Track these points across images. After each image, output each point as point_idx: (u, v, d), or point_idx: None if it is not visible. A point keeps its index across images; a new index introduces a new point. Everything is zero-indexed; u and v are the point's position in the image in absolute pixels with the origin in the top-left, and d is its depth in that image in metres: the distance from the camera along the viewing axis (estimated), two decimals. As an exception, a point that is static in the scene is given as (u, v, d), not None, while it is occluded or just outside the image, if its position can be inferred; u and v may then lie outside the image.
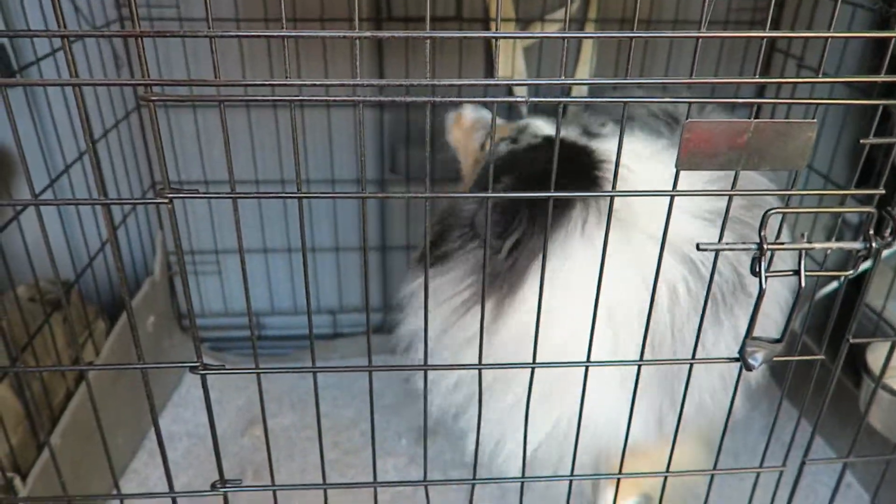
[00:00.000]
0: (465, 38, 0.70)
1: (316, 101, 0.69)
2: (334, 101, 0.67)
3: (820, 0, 1.56)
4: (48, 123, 1.51)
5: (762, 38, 0.68)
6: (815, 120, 0.69)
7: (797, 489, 0.97)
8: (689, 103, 0.72)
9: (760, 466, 0.95)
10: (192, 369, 0.80)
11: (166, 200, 0.70)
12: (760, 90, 1.66)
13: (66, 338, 1.34)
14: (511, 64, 1.71)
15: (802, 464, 0.96)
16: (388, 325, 2.11)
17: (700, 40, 0.67)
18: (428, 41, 0.64)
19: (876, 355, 1.22)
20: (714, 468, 0.94)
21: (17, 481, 1.11)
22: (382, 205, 1.92)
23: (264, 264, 1.94)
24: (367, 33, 0.64)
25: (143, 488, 1.50)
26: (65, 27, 0.62)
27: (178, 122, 1.72)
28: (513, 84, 0.90)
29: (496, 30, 0.77)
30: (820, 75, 0.71)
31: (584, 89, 1.65)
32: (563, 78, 0.68)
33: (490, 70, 1.77)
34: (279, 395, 1.81)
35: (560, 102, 0.73)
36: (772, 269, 0.77)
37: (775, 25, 1.68)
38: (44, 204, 0.75)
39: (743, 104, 1.05)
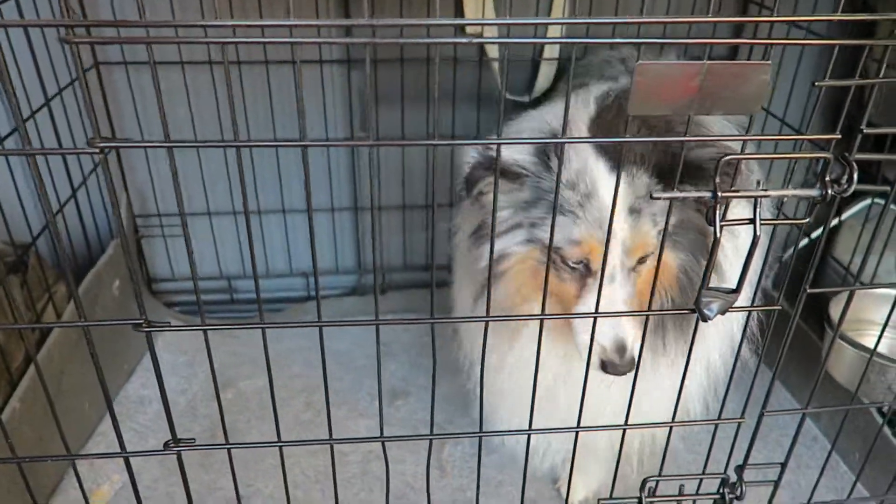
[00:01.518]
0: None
1: (257, 42, 0.65)
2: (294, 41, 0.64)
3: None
4: None
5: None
6: (768, 61, 0.67)
7: (755, 439, 0.98)
8: (639, 44, 0.69)
9: (718, 418, 0.95)
10: (135, 327, 0.77)
11: (97, 150, 0.67)
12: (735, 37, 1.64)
13: (26, 301, 1.31)
14: (482, 15, 1.66)
15: (761, 415, 0.96)
16: (361, 287, 2.11)
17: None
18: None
19: (839, 308, 1.22)
20: (673, 420, 0.94)
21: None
22: (353, 165, 1.88)
23: (234, 226, 1.91)
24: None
25: (110, 450, 1.49)
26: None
27: (138, 81, 1.69)
28: (476, 24, 0.87)
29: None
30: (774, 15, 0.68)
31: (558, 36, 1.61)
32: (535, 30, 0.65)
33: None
34: (253, 358, 1.80)
35: (507, 43, 0.70)
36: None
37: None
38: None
39: (697, 45, 1.01)
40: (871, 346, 1.06)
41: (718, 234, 0.75)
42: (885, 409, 1.24)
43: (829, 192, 0.74)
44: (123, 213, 1.77)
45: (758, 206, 0.75)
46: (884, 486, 1.25)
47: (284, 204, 1.89)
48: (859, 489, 1.30)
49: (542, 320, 0.83)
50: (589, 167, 0.94)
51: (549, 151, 0.97)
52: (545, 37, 1.60)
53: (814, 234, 1.44)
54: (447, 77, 1.67)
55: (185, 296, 1.98)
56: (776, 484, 1.02)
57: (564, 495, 1.37)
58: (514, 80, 1.77)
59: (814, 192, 0.75)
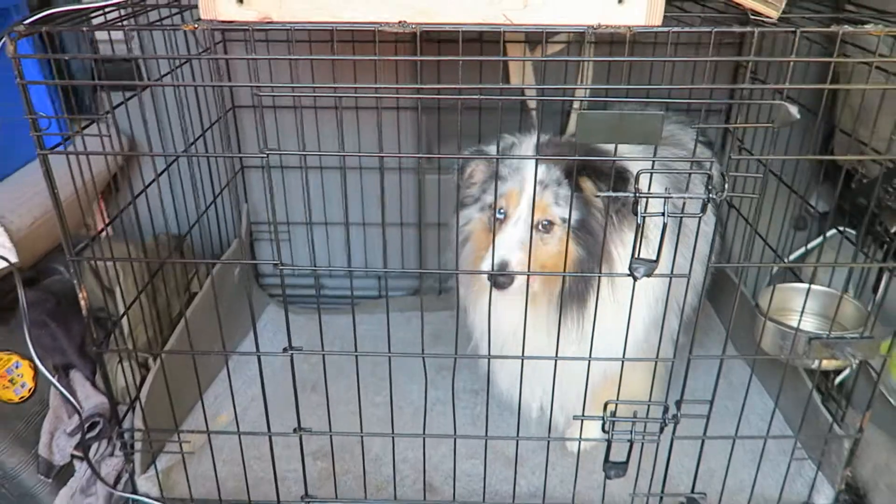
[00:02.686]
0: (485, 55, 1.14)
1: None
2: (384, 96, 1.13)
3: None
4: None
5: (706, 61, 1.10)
6: (661, 112, 1.11)
7: (688, 378, 1.37)
8: (644, 103, 1.15)
9: (656, 358, 1.35)
10: (274, 266, 1.26)
11: (264, 155, 1.17)
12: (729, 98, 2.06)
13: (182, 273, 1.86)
14: (522, 77, 2.14)
15: (689, 360, 1.36)
16: (423, 289, 2.57)
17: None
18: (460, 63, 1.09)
19: (765, 298, 1.61)
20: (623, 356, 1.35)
21: (150, 360, 1.61)
22: (419, 189, 2.37)
23: (325, 234, 2.42)
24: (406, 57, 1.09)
25: (227, 393, 1.99)
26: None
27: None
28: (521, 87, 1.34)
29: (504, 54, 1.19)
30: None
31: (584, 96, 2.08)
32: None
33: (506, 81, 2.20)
34: (333, 337, 2.27)
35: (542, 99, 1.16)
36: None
37: (738, 50, 2.05)
38: (183, 156, 1.22)
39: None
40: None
41: (639, 221, 1.18)
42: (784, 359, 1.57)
43: (709, 196, 1.16)
44: (244, 220, 2.32)
45: (665, 203, 1.18)
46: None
47: (366, 218, 2.39)
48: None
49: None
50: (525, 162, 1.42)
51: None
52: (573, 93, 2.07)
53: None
54: (495, 121, 2.15)
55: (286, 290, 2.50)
56: (707, 416, 1.41)
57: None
58: (547, 125, 2.23)
59: (700, 196, 1.17)
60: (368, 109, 2.22)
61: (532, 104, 2.18)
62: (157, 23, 1.27)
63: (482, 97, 1.15)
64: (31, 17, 1.11)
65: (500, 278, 1.34)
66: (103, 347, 1.45)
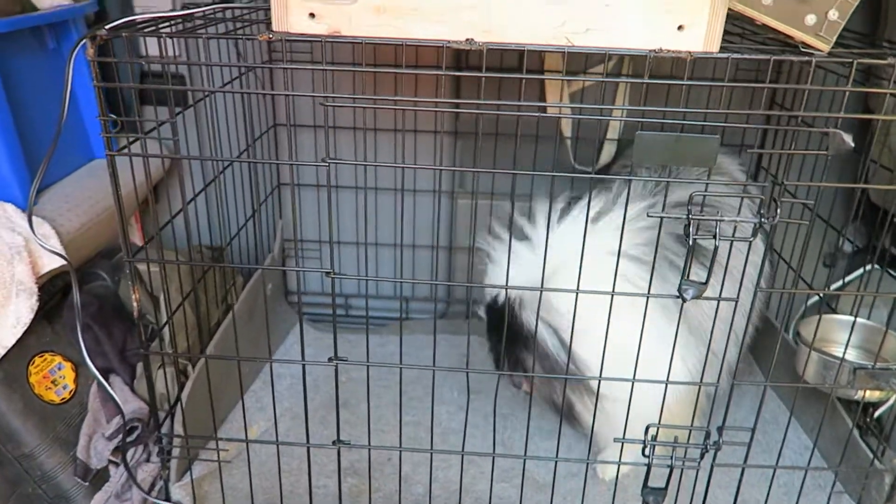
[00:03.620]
0: (524, 78, 1.17)
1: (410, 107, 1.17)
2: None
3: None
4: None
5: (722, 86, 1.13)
6: (716, 136, 1.13)
7: (731, 403, 1.37)
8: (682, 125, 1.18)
9: (701, 382, 1.35)
10: (326, 274, 1.28)
11: (326, 164, 1.20)
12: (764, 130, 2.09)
13: (220, 284, 1.88)
14: (560, 105, 2.18)
15: (732, 385, 1.36)
16: (450, 313, 2.58)
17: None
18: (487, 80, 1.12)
19: (808, 328, 1.62)
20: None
21: (189, 368, 1.62)
22: (452, 213, 2.40)
23: (354, 254, 2.44)
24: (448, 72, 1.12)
25: (259, 405, 2.00)
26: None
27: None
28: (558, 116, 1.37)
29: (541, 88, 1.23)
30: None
31: (618, 125, 2.12)
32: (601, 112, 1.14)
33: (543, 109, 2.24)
34: (362, 356, 2.29)
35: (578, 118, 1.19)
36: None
37: (775, 81, 2.09)
38: (238, 161, 1.25)
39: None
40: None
41: (691, 243, 1.20)
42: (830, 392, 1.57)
43: (761, 220, 1.18)
44: (278, 236, 2.35)
45: (717, 226, 1.20)
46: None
47: (395, 240, 2.42)
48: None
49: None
50: None
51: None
52: (608, 123, 2.11)
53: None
54: (530, 150, 2.19)
55: (312, 308, 2.52)
56: (749, 444, 1.40)
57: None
58: (582, 155, 2.27)
59: (753, 219, 1.19)
60: (409, 132, 2.27)
61: (567, 132, 2.22)
62: (227, 34, 1.31)
63: (519, 114, 1.18)
64: (112, 22, 1.15)
65: None
66: (149, 350, 1.46)
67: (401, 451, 1.54)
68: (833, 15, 1.17)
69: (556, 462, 1.53)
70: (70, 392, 1.56)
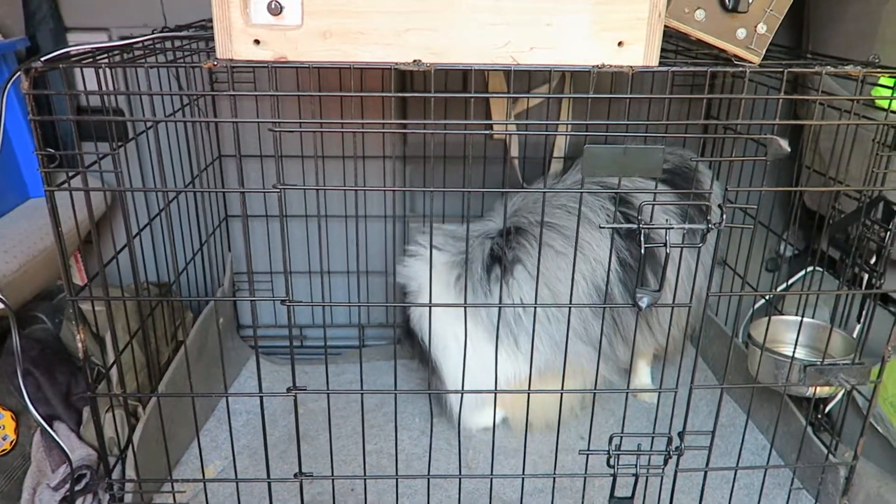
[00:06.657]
0: (470, 97, 1.19)
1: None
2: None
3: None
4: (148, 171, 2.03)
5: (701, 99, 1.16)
6: (661, 146, 1.17)
7: (689, 408, 1.39)
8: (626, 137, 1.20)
9: (660, 387, 1.37)
10: (282, 302, 1.25)
11: (278, 190, 1.18)
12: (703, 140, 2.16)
13: (169, 320, 1.82)
14: (506, 127, 2.21)
15: (691, 389, 1.38)
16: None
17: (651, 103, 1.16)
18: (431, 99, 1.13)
19: (758, 329, 1.67)
20: (627, 387, 1.37)
21: (140, 409, 1.56)
22: (405, 236, 2.39)
23: (308, 284, 2.40)
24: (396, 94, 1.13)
25: (214, 443, 1.93)
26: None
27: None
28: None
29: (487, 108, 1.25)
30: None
31: (564, 141, 2.16)
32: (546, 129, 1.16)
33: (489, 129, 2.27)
34: (319, 386, 2.24)
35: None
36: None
37: (709, 92, 2.17)
38: (185, 191, 1.22)
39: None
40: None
41: (642, 251, 1.22)
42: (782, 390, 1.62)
43: (708, 225, 1.21)
44: (228, 270, 2.29)
45: (641, 234, 1.22)
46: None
47: (348, 267, 2.39)
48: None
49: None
50: None
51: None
52: (555, 140, 2.15)
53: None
54: (479, 171, 2.20)
55: (266, 341, 2.46)
56: (710, 447, 1.43)
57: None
58: (531, 174, 2.30)
59: (701, 226, 1.22)
60: (358, 158, 2.26)
61: (514, 152, 2.25)
62: (171, 62, 1.29)
63: (466, 132, 1.19)
64: (48, 54, 1.11)
65: None
66: (97, 392, 1.40)
67: (365, 480, 1.51)
68: (762, 28, 1.23)
69: (522, 479, 1.52)
70: (11, 443, 1.48)
